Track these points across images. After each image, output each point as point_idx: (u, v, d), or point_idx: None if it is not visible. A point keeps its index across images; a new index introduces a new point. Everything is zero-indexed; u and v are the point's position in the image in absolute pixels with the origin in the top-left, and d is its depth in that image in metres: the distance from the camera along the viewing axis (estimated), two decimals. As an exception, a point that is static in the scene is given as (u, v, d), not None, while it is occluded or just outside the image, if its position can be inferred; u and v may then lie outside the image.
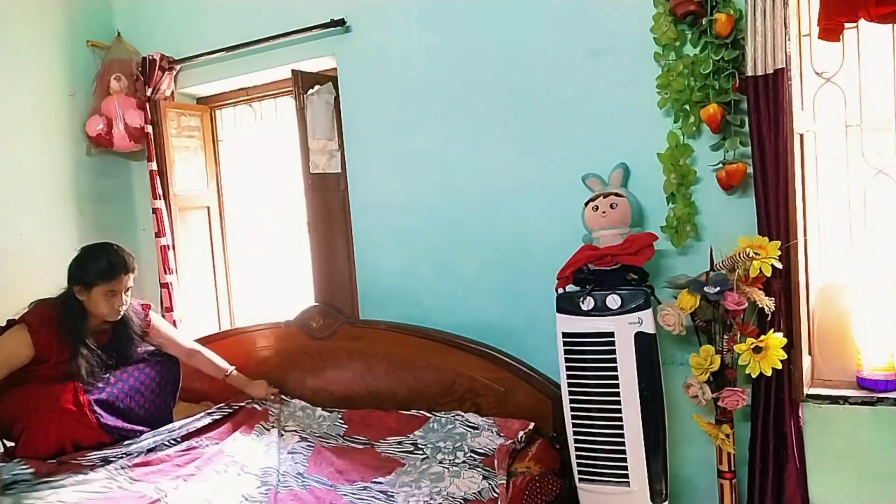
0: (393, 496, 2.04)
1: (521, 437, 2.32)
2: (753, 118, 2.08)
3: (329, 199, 2.96)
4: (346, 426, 2.63)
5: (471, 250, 2.71)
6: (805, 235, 2.19)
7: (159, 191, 3.21)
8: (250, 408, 2.76)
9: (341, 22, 2.82)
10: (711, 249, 2.15)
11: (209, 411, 2.68)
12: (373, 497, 2.03)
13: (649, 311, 2.11)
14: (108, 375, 2.42)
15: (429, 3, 2.69)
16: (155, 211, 3.20)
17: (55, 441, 2.25)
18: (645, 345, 2.10)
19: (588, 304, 2.15)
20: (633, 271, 2.18)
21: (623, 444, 2.14)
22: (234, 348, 2.99)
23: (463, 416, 2.49)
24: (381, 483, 2.14)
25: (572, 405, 2.21)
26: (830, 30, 2.00)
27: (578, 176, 2.40)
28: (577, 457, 2.22)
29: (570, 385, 2.21)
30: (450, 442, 2.37)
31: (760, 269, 1.98)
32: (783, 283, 2.09)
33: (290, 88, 2.96)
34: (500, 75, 2.59)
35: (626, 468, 2.14)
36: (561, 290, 2.25)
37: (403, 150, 2.81)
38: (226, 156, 3.52)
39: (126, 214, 3.47)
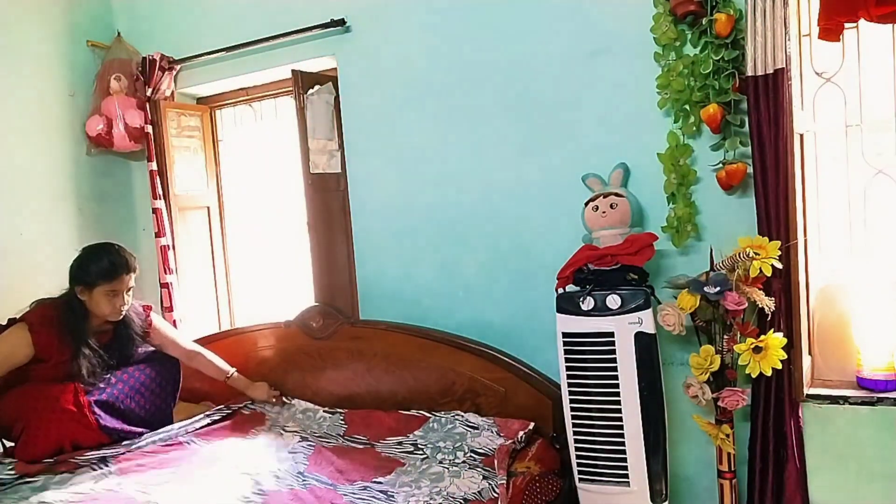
0: (393, 496, 2.04)
1: (521, 437, 2.32)
2: (753, 118, 2.08)
3: (329, 199, 2.96)
4: (346, 426, 2.63)
5: (471, 250, 2.71)
6: (805, 235, 2.19)
7: (159, 191, 3.21)
8: (248, 411, 2.76)
9: (341, 22, 2.82)
10: (711, 249, 2.15)
11: (208, 412, 2.68)
12: (373, 497, 2.03)
13: (649, 311, 2.11)
14: (108, 376, 2.42)
15: (429, 3, 2.69)
16: (155, 211, 3.20)
17: (54, 441, 2.25)
18: (645, 345, 2.10)
19: (588, 304, 2.15)
20: (633, 271, 2.18)
21: (623, 444, 2.14)
22: (234, 348, 2.99)
23: (463, 416, 2.49)
24: (381, 483, 2.14)
25: (572, 405, 2.21)
26: (830, 30, 2.00)
27: (578, 176, 2.40)
28: (577, 457, 2.22)
29: (570, 385, 2.21)
30: (450, 442, 2.37)
31: (760, 269, 1.98)
32: (783, 283, 2.09)
33: (290, 88, 2.96)
34: (500, 75, 2.59)
35: (626, 468, 2.14)
36: (561, 290, 2.25)
37: (403, 150, 2.81)
38: (226, 156, 3.52)
39: (126, 214, 3.47)
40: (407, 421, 2.56)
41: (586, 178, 2.37)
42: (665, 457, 2.15)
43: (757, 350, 1.98)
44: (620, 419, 2.13)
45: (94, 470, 2.20)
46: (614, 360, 2.12)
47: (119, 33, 3.38)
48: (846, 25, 2.03)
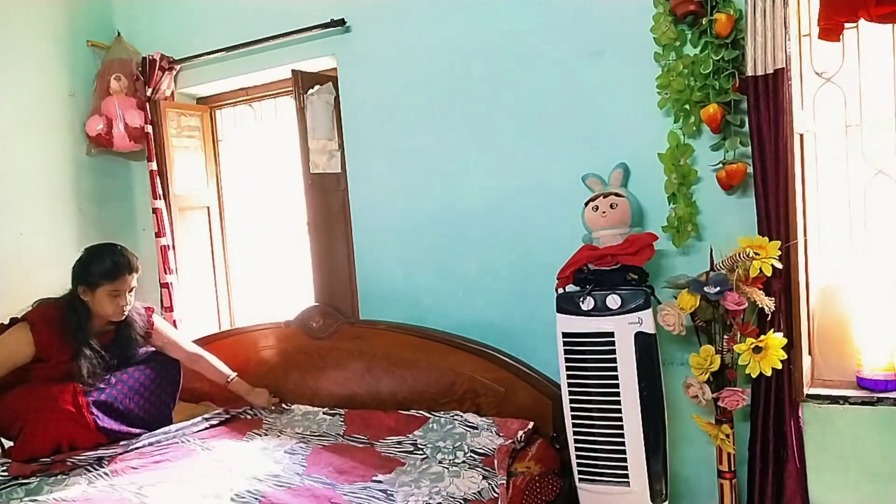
0: (392, 495, 2.04)
1: (521, 436, 2.32)
2: (753, 118, 2.08)
3: (329, 199, 2.96)
4: (345, 426, 2.63)
5: (471, 250, 2.71)
6: (805, 235, 2.19)
7: (159, 191, 3.21)
8: (244, 417, 2.75)
9: (341, 22, 2.82)
10: (711, 249, 2.15)
11: (206, 416, 2.68)
12: (372, 496, 2.03)
13: (649, 311, 2.11)
14: (108, 376, 2.42)
15: (429, 3, 2.69)
16: (155, 211, 3.20)
17: (52, 441, 2.25)
18: (645, 345, 2.10)
19: (588, 304, 2.15)
20: (633, 271, 2.18)
21: (623, 444, 2.13)
22: (234, 348, 2.99)
23: (462, 417, 2.49)
24: (380, 482, 2.14)
25: (572, 405, 2.21)
26: (830, 30, 2.00)
27: (578, 176, 2.40)
28: (577, 457, 2.22)
29: (570, 385, 2.20)
30: (449, 441, 2.36)
31: (760, 269, 1.98)
32: (783, 283, 2.09)
33: (290, 88, 2.96)
34: (500, 75, 2.59)
35: (626, 468, 2.14)
36: (561, 290, 2.25)
37: (403, 150, 2.81)
38: (226, 156, 3.52)
39: (126, 214, 3.47)
40: (407, 421, 2.56)
41: (586, 178, 2.37)
42: (665, 457, 2.15)
43: (757, 350, 1.98)
44: (620, 419, 2.13)
45: (90, 471, 2.20)
46: (614, 360, 2.12)
47: (119, 33, 3.38)
48: (846, 25, 2.03)
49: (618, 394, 2.12)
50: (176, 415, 2.66)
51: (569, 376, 2.20)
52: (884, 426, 2.10)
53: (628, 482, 2.15)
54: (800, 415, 2.16)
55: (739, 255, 2.02)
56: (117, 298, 2.38)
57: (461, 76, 2.66)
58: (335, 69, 2.95)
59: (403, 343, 2.71)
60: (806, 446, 2.17)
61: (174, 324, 3.12)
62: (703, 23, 2.16)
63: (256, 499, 2.01)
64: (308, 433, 2.60)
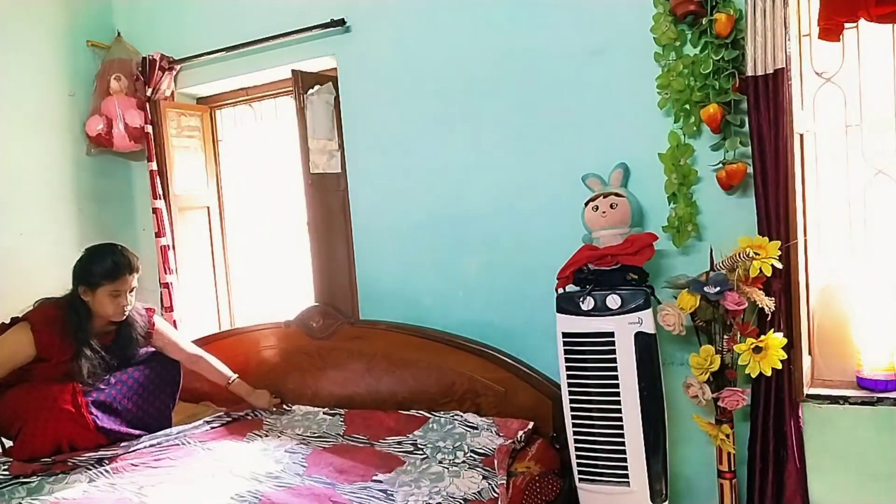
0: (392, 495, 2.04)
1: (521, 436, 2.32)
2: (753, 118, 2.08)
3: (329, 199, 2.96)
4: (345, 426, 2.63)
5: (471, 250, 2.71)
6: (805, 235, 2.19)
7: (159, 191, 3.21)
8: (245, 419, 2.75)
9: (341, 22, 2.82)
10: (711, 249, 2.15)
11: (207, 419, 2.68)
12: (372, 496, 2.03)
13: (649, 311, 2.11)
14: (108, 377, 2.42)
15: (429, 4, 2.69)
16: (155, 211, 3.20)
17: (52, 441, 2.25)
18: (645, 345, 2.10)
19: (588, 304, 2.15)
20: (633, 271, 2.18)
21: (623, 444, 2.13)
22: (234, 348, 2.99)
23: (462, 417, 2.49)
24: (380, 482, 2.14)
25: (572, 405, 2.21)
26: (830, 30, 2.00)
27: (578, 176, 2.40)
28: (577, 457, 2.22)
29: (570, 385, 2.20)
30: (449, 441, 2.36)
31: (760, 269, 1.98)
32: (783, 283, 2.09)
33: (290, 88, 2.96)
34: (499, 75, 2.59)
35: (626, 468, 2.14)
36: (561, 290, 2.25)
37: (403, 150, 2.81)
38: (226, 156, 3.52)
39: (126, 214, 3.48)
40: (407, 421, 2.56)
41: (586, 178, 2.37)
42: (665, 457, 2.15)
43: (757, 350, 1.98)
44: (620, 419, 2.13)
45: (90, 470, 2.21)
46: (614, 360, 2.12)
47: (119, 33, 3.38)
48: (846, 25, 2.03)
49: (618, 394, 2.12)
50: (176, 415, 2.65)
51: (569, 376, 2.20)
52: (884, 426, 2.10)
53: (628, 482, 2.15)
54: (800, 415, 2.16)
55: (739, 255, 2.02)
56: (118, 298, 2.38)
57: (461, 76, 2.66)
58: (335, 69, 2.95)
59: (403, 343, 2.71)
60: (806, 446, 2.17)
61: (174, 324, 3.12)
62: (703, 23, 2.16)
63: (257, 498, 2.01)
64: (308, 434, 2.60)
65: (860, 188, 2.25)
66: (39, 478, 2.14)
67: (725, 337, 2.08)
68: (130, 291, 2.42)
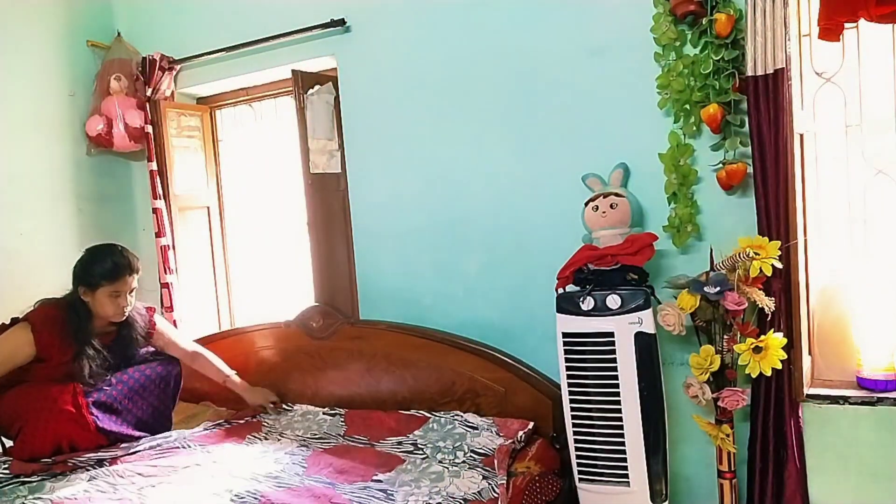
0: (392, 495, 2.04)
1: (521, 436, 2.32)
2: (753, 118, 2.08)
3: (329, 199, 2.96)
4: (346, 426, 2.63)
5: (471, 250, 2.71)
6: (805, 235, 2.19)
7: (159, 191, 3.21)
8: (245, 422, 2.75)
9: (341, 22, 2.82)
10: (711, 249, 2.15)
11: (207, 425, 2.68)
12: (372, 496, 2.03)
13: (649, 311, 2.11)
14: (108, 377, 2.42)
15: (429, 3, 2.69)
16: (155, 211, 3.20)
17: (52, 441, 2.25)
18: (645, 345, 2.10)
19: (588, 304, 2.15)
20: (633, 271, 2.18)
21: (623, 444, 2.13)
22: (234, 348, 2.99)
23: (462, 417, 2.49)
24: (380, 482, 2.14)
25: (572, 405, 2.21)
26: (830, 30, 2.00)
27: (578, 176, 2.40)
28: (577, 457, 2.22)
29: (570, 385, 2.20)
30: (449, 441, 2.36)
31: (760, 269, 1.98)
32: (783, 283, 2.09)
33: (290, 88, 2.96)
34: (500, 75, 2.59)
35: (626, 468, 2.14)
36: (561, 290, 2.25)
37: (403, 150, 2.81)
38: (226, 156, 3.52)
39: (126, 214, 3.48)
40: (407, 421, 2.56)
41: (586, 178, 2.37)
42: (665, 457, 2.15)
43: (757, 350, 1.98)
44: (620, 419, 2.13)
45: (90, 471, 2.21)
46: (614, 360, 2.12)
47: (119, 33, 3.38)
48: (846, 25, 2.03)
49: (618, 394, 2.12)
50: (176, 415, 2.66)
51: (569, 376, 2.20)
52: (884, 426, 2.10)
53: (628, 482, 2.15)
54: (800, 415, 2.16)
55: (739, 255, 2.02)
56: (118, 299, 2.38)
57: (461, 76, 2.66)
58: (335, 69, 2.95)
59: (403, 343, 2.71)
60: (806, 446, 2.17)
61: (174, 324, 3.12)
62: (703, 23, 2.16)
63: (256, 499, 2.01)
64: (308, 435, 2.60)
65: (860, 188, 2.25)
66: (40, 477, 2.15)
67: (725, 337, 2.08)
68: (130, 292, 2.42)
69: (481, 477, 2.15)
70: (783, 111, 2.03)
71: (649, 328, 2.10)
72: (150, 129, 3.21)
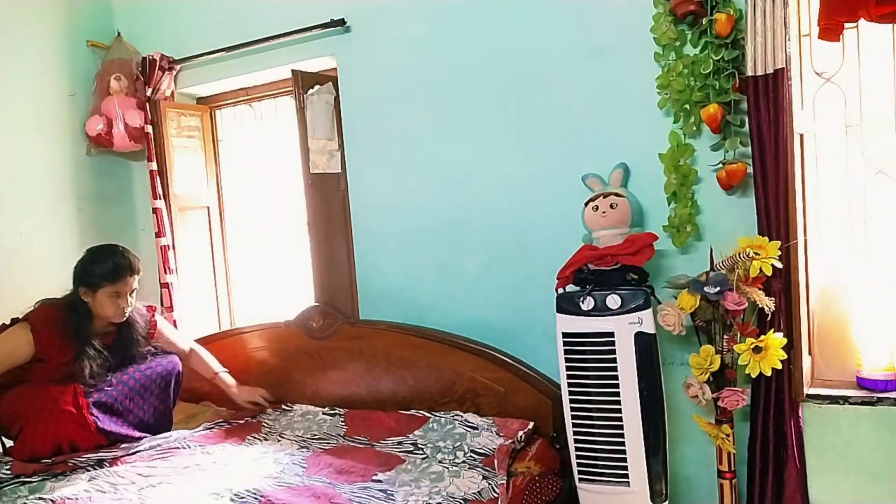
0: (392, 495, 2.04)
1: (521, 436, 2.32)
2: (753, 118, 2.08)
3: (329, 199, 2.96)
4: (346, 427, 2.63)
5: (471, 250, 2.71)
6: (805, 235, 2.19)
7: (159, 191, 3.21)
8: (245, 422, 2.74)
9: (341, 22, 2.82)
10: (711, 249, 2.15)
11: (207, 425, 2.68)
12: (372, 496, 2.03)
13: (649, 311, 2.11)
14: (109, 377, 2.42)
15: (429, 4, 2.69)
16: (155, 211, 3.20)
17: (52, 442, 2.25)
18: (645, 345, 2.10)
19: (588, 304, 2.15)
20: (633, 271, 2.18)
21: (623, 444, 2.13)
22: (234, 348, 2.99)
23: (462, 417, 2.49)
24: (380, 482, 2.14)
25: (572, 405, 2.21)
26: (830, 30, 2.00)
27: (578, 176, 2.40)
28: (577, 457, 2.22)
29: (570, 385, 2.20)
30: (449, 441, 2.36)
31: (760, 269, 1.98)
32: (783, 283, 2.09)
33: (290, 88, 2.96)
34: (500, 75, 2.59)
35: (626, 468, 2.14)
36: (561, 290, 2.25)
37: (403, 150, 2.81)
38: (226, 156, 3.52)
39: (126, 214, 3.47)
40: (407, 421, 2.56)
41: (586, 178, 2.37)
42: (665, 457, 2.15)
43: (757, 350, 1.98)
44: (620, 419, 2.13)
45: (90, 471, 2.21)
46: (614, 360, 2.12)
47: (119, 33, 3.38)
48: (846, 25, 2.03)
49: (618, 394, 2.12)
50: (176, 415, 2.65)
51: (569, 376, 2.20)
52: (884, 426, 2.10)
53: (628, 482, 2.15)
54: (800, 415, 2.16)
55: (739, 255, 2.02)
56: (118, 300, 2.38)
57: (461, 76, 2.66)
58: (335, 69, 2.95)
59: (403, 343, 2.71)
60: (806, 446, 2.17)
61: (174, 324, 3.13)
62: (703, 23, 2.16)
63: (256, 498, 2.01)
64: (308, 435, 2.60)
65: (860, 188, 2.25)
66: (41, 477, 2.15)
67: (725, 337, 2.08)
68: (131, 293, 2.42)
69: (481, 477, 2.15)
70: (783, 111, 2.03)
71: (649, 328, 2.10)
72: (150, 129, 3.21)
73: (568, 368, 2.20)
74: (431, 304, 2.80)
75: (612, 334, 2.12)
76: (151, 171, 3.21)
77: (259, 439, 2.60)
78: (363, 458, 2.34)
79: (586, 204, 2.31)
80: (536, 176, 2.56)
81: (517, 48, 2.55)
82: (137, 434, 2.44)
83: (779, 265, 2.01)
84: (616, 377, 2.12)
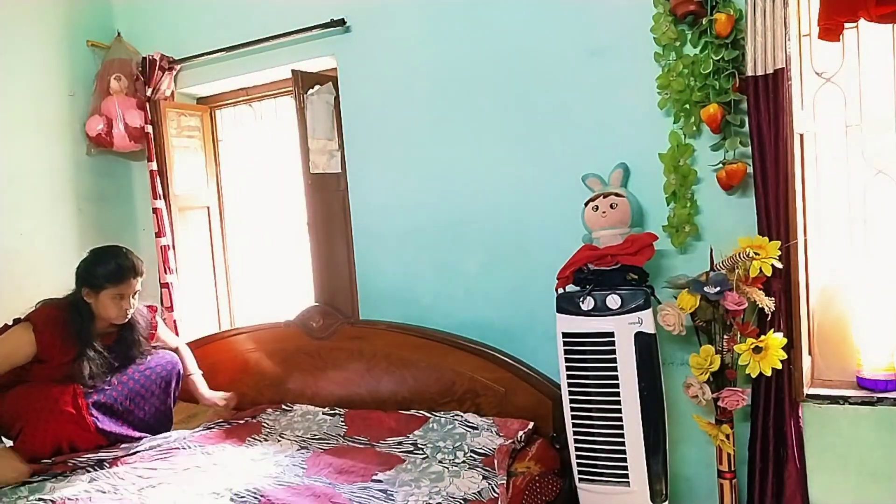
0: (392, 495, 2.04)
1: (521, 436, 2.32)
2: (753, 118, 2.08)
3: (329, 199, 2.96)
4: (346, 427, 2.63)
5: (471, 250, 2.71)
6: (805, 235, 2.19)
7: (159, 191, 3.21)
8: (245, 422, 2.74)
9: (341, 22, 2.82)
10: (711, 249, 2.15)
11: (207, 424, 2.68)
12: (372, 496, 2.03)
13: (649, 311, 2.11)
14: (109, 378, 2.42)
15: (429, 4, 2.69)
16: (155, 211, 3.20)
17: (52, 442, 2.26)
18: (645, 345, 2.10)
19: (588, 304, 2.15)
20: (633, 271, 2.18)
21: (623, 444, 2.13)
22: (234, 348, 2.99)
23: (462, 417, 2.49)
24: (380, 482, 2.14)
25: (572, 405, 2.21)
26: (830, 30, 2.00)
27: (578, 176, 2.40)
28: (577, 457, 2.22)
29: (570, 385, 2.20)
30: (449, 441, 2.36)
31: (760, 269, 1.98)
32: (783, 283, 2.09)
33: (290, 88, 2.96)
34: (500, 75, 2.59)
35: (626, 468, 2.14)
36: (561, 290, 2.25)
37: (403, 150, 2.81)
38: (226, 156, 3.52)
39: (126, 214, 3.47)
40: (407, 421, 2.56)
41: (586, 178, 2.37)
42: (665, 457, 2.15)
43: (757, 350, 1.98)
44: (620, 419, 2.13)
45: (90, 472, 2.22)
46: (614, 360, 2.12)
47: (119, 33, 3.38)
48: (846, 25, 2.03)
49: (618, 394, 2.12)
50: (175, 415, 2.66)
51: (569, 376, 2.20)
52: (884, 426, 2.10)
53: (628, 482, 2.15)
54: (800, 415, 2.16)
55: (739, 255, 2.02)
56: (121, 302, 2.38)
57: (461, 76, 2.66)
58: (335, 69, 2.95)
59: (403, 343, 2.71)
60: (806, 446, 2.17)
61: (174, 324, 3.13)
62: (703, 23, 2.16)
63: (256, 498, 2.01)
64: (308, 435, 2.60)
65: (860, 188, 2.25)
66: (41, 478, 2.16)
67: (725, 337, 2.08)
68: (134, 295, 2.42)
69: (481, 477, 2.15)
70: (783, 111, 2.03)
71: (649, 328, 2.10)
72: (150, 129, 3.21)
73: (568, 368, 2.20)
74: (431, 304, 2.80)
75: (612, 334, 2.12)
76: (151, 171, 3.21)
77: (259, 439, 2.60)
78: (363, 458, 2.34)
79: (586, 204, 2.31)
80: (536, 176, 2.56)
81: (517, 48, 2.55)
82: (137, 434, 2.45)
83: (779, 265, 2.01)
84: (616, 377, 2.12)
